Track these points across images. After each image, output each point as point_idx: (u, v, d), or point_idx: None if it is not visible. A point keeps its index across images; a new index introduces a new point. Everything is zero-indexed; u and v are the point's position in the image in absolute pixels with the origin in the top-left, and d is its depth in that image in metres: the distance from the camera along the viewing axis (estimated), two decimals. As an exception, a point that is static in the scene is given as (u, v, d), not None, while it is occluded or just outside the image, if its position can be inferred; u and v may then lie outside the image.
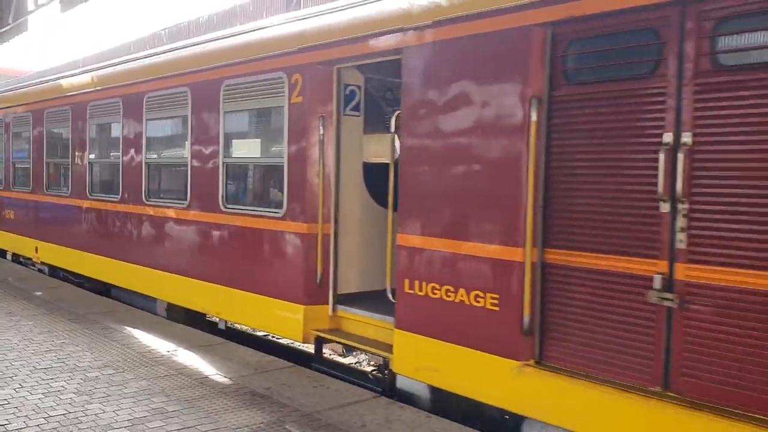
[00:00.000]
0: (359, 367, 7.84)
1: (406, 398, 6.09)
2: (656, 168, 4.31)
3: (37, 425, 5.16)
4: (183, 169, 8.66)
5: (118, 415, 5.40)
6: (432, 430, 5.22)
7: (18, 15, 14.63)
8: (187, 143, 8.51)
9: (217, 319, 8.60)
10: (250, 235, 7.56)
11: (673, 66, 4.32)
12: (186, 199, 8.57)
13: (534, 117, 4.89)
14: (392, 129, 6.21)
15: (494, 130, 5.18)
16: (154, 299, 9.51)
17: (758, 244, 3.95)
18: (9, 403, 5.61)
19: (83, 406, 5.60)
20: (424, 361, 5.69)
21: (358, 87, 7.20)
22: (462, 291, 5.41)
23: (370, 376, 6.76)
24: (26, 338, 7.69)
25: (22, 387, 6.04)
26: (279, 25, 7.44)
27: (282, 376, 6.52)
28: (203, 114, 8.23)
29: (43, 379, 6.26)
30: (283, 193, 7.15)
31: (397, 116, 6.08)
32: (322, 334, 6.88)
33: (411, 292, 5.80)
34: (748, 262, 3.99)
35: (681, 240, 4.27)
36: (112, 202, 10.24)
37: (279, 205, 7.24)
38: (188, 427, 5.17)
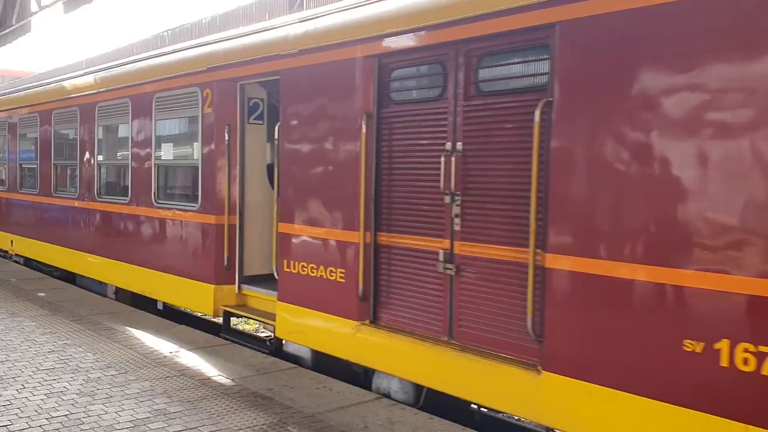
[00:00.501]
0: (258, 335, 8.85)
1: (293, 359, 7.23)
2: (443, 169, 5.62)
3: (40, 426, 5.17)
4: (125, 169, 10.03)
5: (120, 416, 5.41)
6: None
7: (21, 16, 14.66)
8: (128, 147, 9.87)
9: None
10: (174, 227, 8.91)
11: (452, 90, 5.63)
12: (128, 196, 9.90)
13: (364, 129, 6.19)
14: (276, 137, 7.33)
15: (339, 140, 6.50)
16: (105, 284, 10.79)
17: (504, 225, 5.27)
18: (11, 404, 5.62)
19: (85, 407, 5.60)
20: (296, 326, 7.04)
21: (261, 100, 8.40)
22: (321, 268, 6.72)
23: (267, 343, 7.79)
24: (29, 339, 7.70)
25: (24, 388, 6.05)
26: (195, 48, 8.85)
27: (284, 377, 6.52)
28: (140, 122, 9.57)
29: (46, 380, 6.26)
30: (198, 189, 8.45)
31: (278, 126, 7.27)
32: (228, 309, 8.16)
33: (288, 270, 7.10)
34: (499, 240, 5.31)
35: (457, 223, 5.60)
36: (72, 199, 11.59)
37: (195, 200, 8.53)
38: (190, 429, 5.17)
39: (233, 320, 8.56)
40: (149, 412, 5.50)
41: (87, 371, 6.55)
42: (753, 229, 3.89)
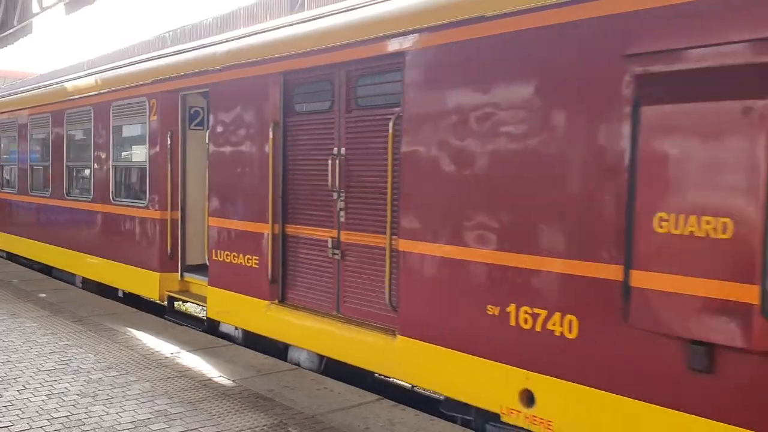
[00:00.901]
0: (197, 315, 9.58)
1: (228, 337, 8.31)
2: (330, 170, 6.70)
3: (41, 427, 5.17)
4: (89, 171, 11.16)
5: (121, 417, 5.41)
6: (434, 433, 5.23)
7: (23, 17, 14.67)
8: (91, 151, 10.99)
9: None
10: (127, 222, 10.04)
11: (337, 104, 6.71)
12: (91, 194, 11.04)
13: (271, 135, 7.21)
14: (206, 141, 8.42)
15: (253, 144, 7.55)
16: (74, 275, 11.90)
17: (373, 217, 6.35)
18: (13, 405, 5.62)
19: (87, 407, 5.61)
20: (222, 307, 8.12)
21: (202, 108, 9.38)
22: (241, 255, 7.76)
23: (204, 323, 8.71)
24: (30, 340, 7.71)
25: (25, 388, 6.05)
26: (144, 62, 10.05)
27: (285, 378, 6.52)
28: (101, 128, 10.70)
29: (47, 381, 6.27)
30: (146, 188, 9.52)
31: (208, 133, 8.35)
32: (172, 294, 9.27)
33: (216, 259, 8.14)
34: (369, 229, 6.41)
35: (342, 216, 6.67)
36: (45, 197, 12.72)
37: (144, 198, 9.62)
38: (191, 430, 5.17)
39: (176, 304, 9.64)
40: (150, 413, 5.51)
41: (88, 372, 6.56)
42: (530, 219, 4.95)
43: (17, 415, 5.41)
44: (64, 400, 5.76)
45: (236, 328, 8.18)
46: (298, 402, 5.85)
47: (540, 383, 4.86)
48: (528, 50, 4.95)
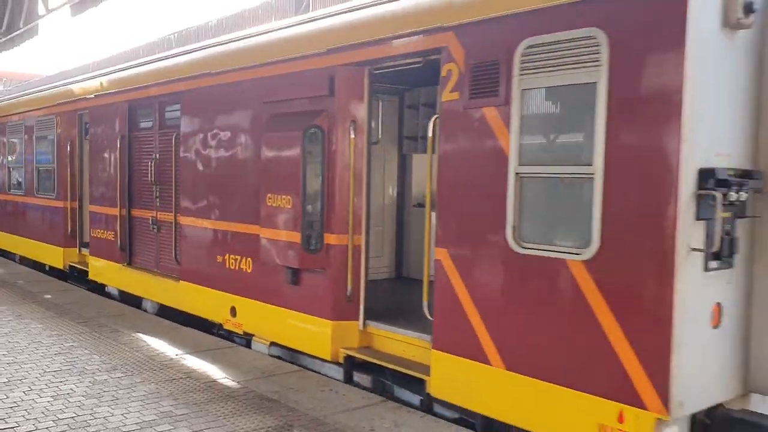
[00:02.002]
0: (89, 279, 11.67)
1: (111, 295, 10.65)
2: (150, 169, 9.33)
3: (47, 428, 5.15)
4: (22, 170, 14.23)
5: (126, 418, 5.40)
6: (439, 435, 5.22)
7: (29, 19, 14.71)
8: (23, 155, 14.07)
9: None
10: (44, 210, 12.95)
11: (156, 124, 9.39)
12: (23, 189, 14.06)
13: (119, 145, 9.95)
14: (87, 148, 11.32)
15: (110, 151, 10.31)
16: (14, 254, 14.87)
17: (171, 201, 8.90)
18: (19, 406, 5.61)
19: (92, 409, 5.60)
20: (98, 270, 10.88)
21: None
22: (105, 232, 10.53)
23: (90, 284, 11.18)
24: (35, 341, 7.72)
25: (31, 389, 6.05)
26: (51, 88, 13.17)
27: (290, 380, 6.50)
28: (29, 138, 13.74)
29: (53, 382, 6.26)
30: (55, 184, 12.47)
31: (88, 140, 11.32)
32: (72, 264, 12.02)
33: (93, 236, 10.94)
34: (167, 209, 9.09)
35: (158, 202, 9.26)
36: (3, 193, 15.44)
37: (54, 191, 12.49)
38: (196, 431, 5.17)
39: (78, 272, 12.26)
40: (155, 414, 5.50)
41: (93, 373, 6.56)
42: (232, 200, 7.81)
43: (23, 415, 5.40)
44: (70, 401, 5.76)
45: (113, 288, 10.72)
46: (302, 403, 5.83)
47: (238, 302, 7.73)
48: (229, 94, 7.83)
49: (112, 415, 5.42)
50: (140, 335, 8.08)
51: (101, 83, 10.77)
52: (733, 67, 4.32)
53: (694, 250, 4.09)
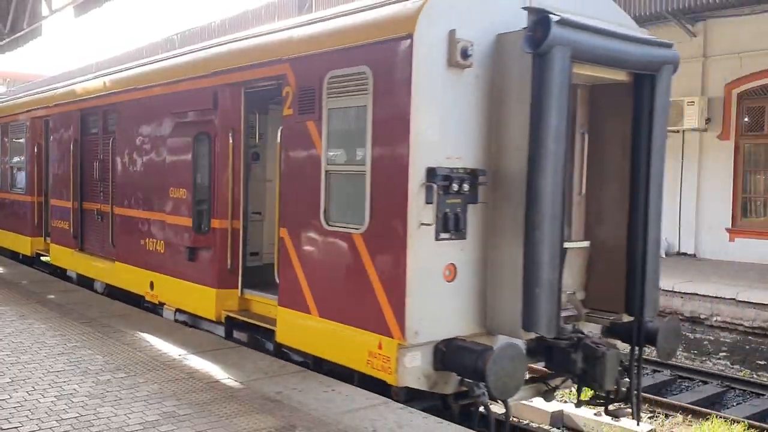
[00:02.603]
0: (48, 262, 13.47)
1: (70, 279, 12.17)
2: (95, 168, 11.01)
3: (50, 428, 5.16)
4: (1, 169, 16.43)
5: (129, 418, 5.41)
6: (442, 436, 5.22)
7: (32, 20, 14.76)
8: (1, 156, 16.01)
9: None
10: (16, 203, 14.81)
11: (100, 129, 11.02)
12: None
13: (72, 148, 11.52)
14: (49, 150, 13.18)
15: (66, 153, 11.86)
16: None
17: (108, 195, 10.72)
18: (22, 406, 5.62)
19: (95, 409, 5.60)
20: (55, 254, 12.62)
21: None
22: (61, 222, 12.09)
23: (48, 265, 13.14)
24: (39, 341, 7.73)
25: (35, 390, 6.06)
26: (27, 96, 15.10)
27: (292, 380, 6.50)
28: (7, 141, 15.55)
29: (56, 382, 6.27)
30: (25, 181, 14.21)
31: (49, 143, 13.11)
32: (38, 251, 13.80)
33: (53, 225, 12.54)
34: (105, 202, 10.72)
35: (101, 195, 10.85)
36: None
37: (24, 187, 14.29)
38: (199, 431, 5.18)
39: (42, 259, 14.01)
40: (158, 414, 5.50)
41: (96, 373, 6.56)
42: (154, 193, 9.31)
43: (26, 415, 5.40)
44: (73, 401, 5.77)
45: (72, 273, 12.24)
46: (305, 404, 5.83)
47: (155, 277, 9.25)
48: (150, 106, 9.33)
49: (116, 415, 5.43)
50: (143, 335, 8.09)
51: (61, 93, 12.52)
52: (461, 95, 5.73)
53: (423, 224, 5.56)
